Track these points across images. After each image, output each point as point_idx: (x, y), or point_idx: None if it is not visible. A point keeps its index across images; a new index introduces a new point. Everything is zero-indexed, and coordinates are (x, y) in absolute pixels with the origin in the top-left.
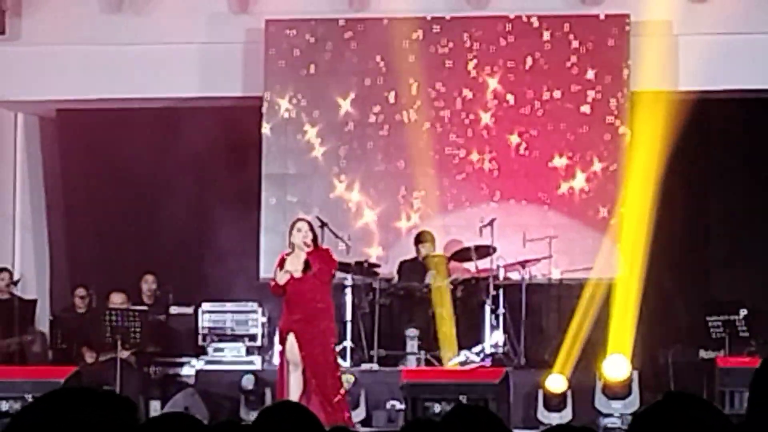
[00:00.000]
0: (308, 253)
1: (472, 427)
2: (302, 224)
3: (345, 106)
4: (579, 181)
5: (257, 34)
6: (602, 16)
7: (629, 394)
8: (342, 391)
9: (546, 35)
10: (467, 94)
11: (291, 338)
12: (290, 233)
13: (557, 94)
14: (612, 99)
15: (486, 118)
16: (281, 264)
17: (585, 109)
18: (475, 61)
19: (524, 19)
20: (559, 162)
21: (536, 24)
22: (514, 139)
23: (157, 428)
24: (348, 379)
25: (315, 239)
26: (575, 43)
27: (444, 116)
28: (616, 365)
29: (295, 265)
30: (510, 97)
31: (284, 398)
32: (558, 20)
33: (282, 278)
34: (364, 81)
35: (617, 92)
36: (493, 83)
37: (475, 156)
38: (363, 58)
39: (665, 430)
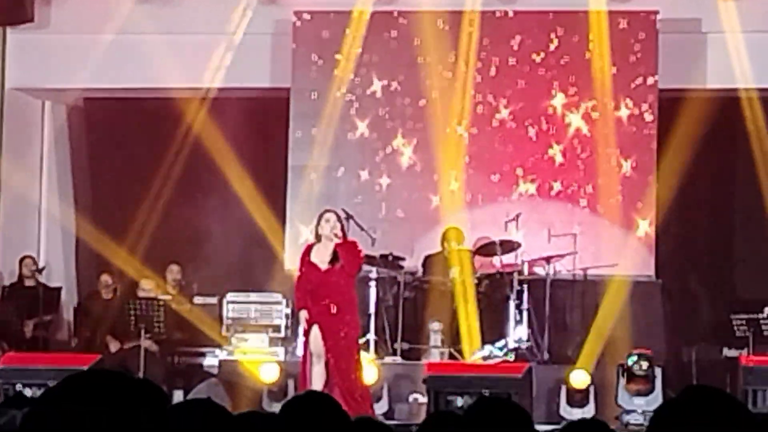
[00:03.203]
0: (337, 245)
1: (497, 420)
2: (330, 215)
3: (372, 97)
4: (605, 177)
5: (285, 25)
6: (632, 13)
7: (652, 390)
8: (365, 384)
9: (575, 32)
10: (497, 85)
11: (315, 330)
12: (317, 224)
13: (585, 90)
14: (640, 96)
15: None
16: (307, 254)
17: (612, 106)
18: (498, 57)
19: (551, 16)
20: (586, 158)
21: (566, 19)
22: (544, 133)
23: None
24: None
25: (343, 231)
26: (606, 40)
27: (474, 109)
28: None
29: (321, 257)
30: (539, 93)
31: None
32: (587, 16)
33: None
34: (392, 72)
35: (646, 90)
36: (522, 80)
37: (501, 151)
38: (391, 49)
39: (686, 423)
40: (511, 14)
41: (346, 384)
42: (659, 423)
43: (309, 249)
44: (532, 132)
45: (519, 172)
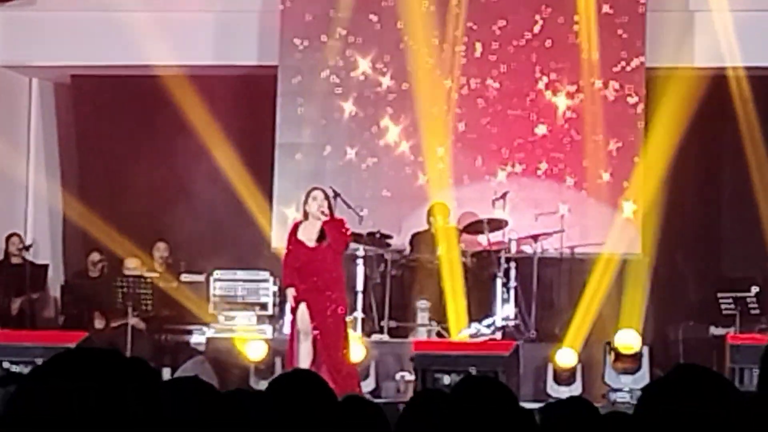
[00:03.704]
0: (324, 223)
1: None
2: (318, 193)
3: (360, 74)
4: (593, 156)
5: (272, 3)
6: None
7: (639, 369)
8: (352, 361)
9: (560, 10)
10: (484, 62)
11: (302, 307)
12: (305, 202)
13: (572, 68)
14: (628, 75)
15: (500, 92)
16: (294, 232)
17: (599, 84)
18: (484, 39)
19: None
20: (574, 137)
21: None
22: (530, 112)
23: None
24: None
25: (330, 208)
26: (594, 16)
27: (462, 86)
28: (627, 340)
29: (308, 234)
30: (526, 69)
31: (294, 367)
32: None
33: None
34: (380, 49)
35: (632, 69)
36: (508, 61)
37: (489, 128)
38: (380, 25)
39: (675, 401)
40: None
41: (332, 361)
42: (647, 401)
43: (296, 227)
44: (518, 112)
45: (505, 151)
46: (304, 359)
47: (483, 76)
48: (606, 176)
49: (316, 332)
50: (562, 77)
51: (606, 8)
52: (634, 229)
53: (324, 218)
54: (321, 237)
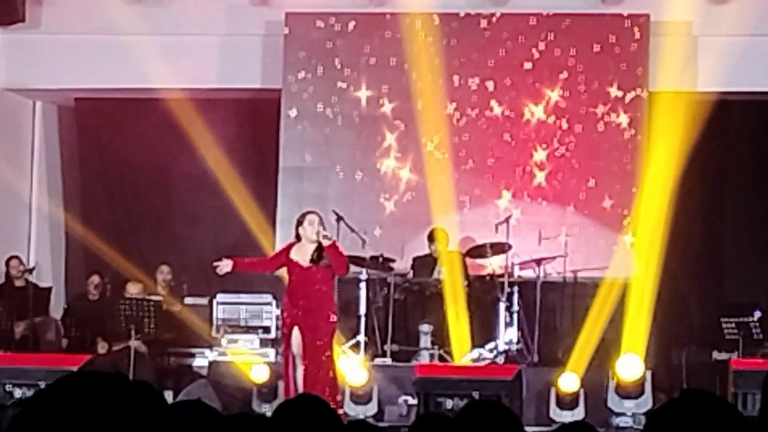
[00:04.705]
0: (327, 247)
1: (487, 423)
2: (314, 217)
3: (363, 99)
4: (596, 180)
5: (277, 26)
6: (623, 16)
7: (642, 393)
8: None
9: (566, 34)
10: (484, 89)
11: (296, 332)
12: (299, 225)
13: (576, 92)
14: (630, 98)
15: (503, 115)
16: (288, 249)
17: (602, 108)
18: (492, 60)
19: (544, 16)
20: (576, 161)
21: (555, 22)
22: (532, 136)
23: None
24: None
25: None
26: (595, 43)
27: (462, 112)
28: (630, 364)
29: (302, 255)
30: (527, 95)
31: (291, 394)
32: (578, 19)
33: (224, 266)
34: (382, 74)
35: (636, 92)
36: (510, 84)
37: (490, 154)
38: (382, 51)
39: (681, 426)
40: (498, 16)
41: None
42: (654, 426)
43: (291, 246)
44: (520, 136)
45: (507, 176)
46: (301, 383)
47: (483, 103)
48: (607, 202)
49: (304, 351)
50: (565, 100)
51: (611, 38)
52: (636, 253)
53: (327, 242)
54: (314, 259)
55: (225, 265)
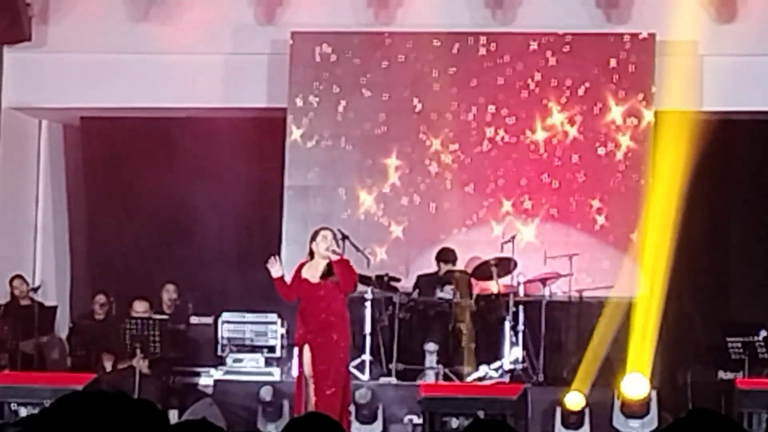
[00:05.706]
0: (335, 262)
1: None
2: (327, 233)
3: (369, 118)
4: (601, 199)
5: (283, 45)
6: (628, 36)
7: (647, 413)
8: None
9: (571, 53)
10: (491, 110)
11: (306, 351)
12: (312, 240)
13: (581, 111)
14: (636, 118)
15: (508, 135)
16: (299, 270)
17: (608, 128)
18: (501, 78)
19: (546, 37)
20: (582, 180)
21: (561, 42)
22: (537, 157)
23: None
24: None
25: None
26: (599, 63)
27: (470, 132)
28: (635, 384)
29: (312, 272)
30: (531, 116)
31: (302, 412)
32: (584, 38)
33: (275, 270)
34: (389, 94)
35: (641, 111)
36: (516, 103)
37: (496, 173)
38: (388, 70)
39: None
40: (499, 39)
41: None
42: None
43: (301, 266)
44: (526, 155)
45: (512, 196)
46: (313, 402)
47: (489, 124)
48: (613, 221)
49: (316, 375)
50: (570, 119)
51: (617, 57)
52: (642, 272)
53: (335, 257)
54: (325, 275)
55: (276, 269)
